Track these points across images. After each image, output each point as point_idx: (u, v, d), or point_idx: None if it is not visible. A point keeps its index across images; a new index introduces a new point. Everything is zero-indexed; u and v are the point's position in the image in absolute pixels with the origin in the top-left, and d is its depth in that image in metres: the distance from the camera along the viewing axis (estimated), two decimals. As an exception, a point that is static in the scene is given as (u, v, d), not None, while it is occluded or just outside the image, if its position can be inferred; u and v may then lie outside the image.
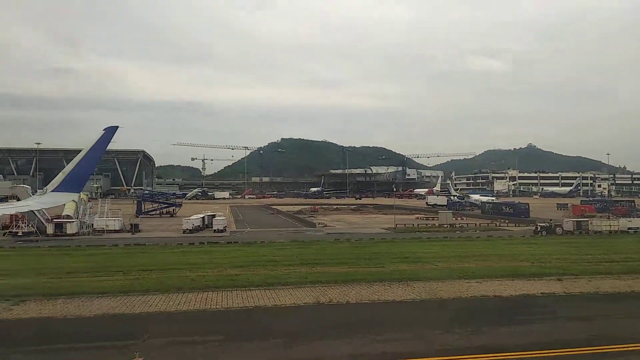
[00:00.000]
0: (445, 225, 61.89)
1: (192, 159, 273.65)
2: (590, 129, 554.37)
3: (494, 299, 23.64)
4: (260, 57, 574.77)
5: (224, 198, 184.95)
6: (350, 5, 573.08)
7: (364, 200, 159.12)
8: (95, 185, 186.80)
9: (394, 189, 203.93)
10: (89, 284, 26.56)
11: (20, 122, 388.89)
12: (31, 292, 24.18)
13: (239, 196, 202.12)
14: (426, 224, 64.80)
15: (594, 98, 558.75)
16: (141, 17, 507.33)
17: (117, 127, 19.95)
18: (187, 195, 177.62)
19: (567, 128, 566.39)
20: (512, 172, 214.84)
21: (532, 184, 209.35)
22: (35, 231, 54.32)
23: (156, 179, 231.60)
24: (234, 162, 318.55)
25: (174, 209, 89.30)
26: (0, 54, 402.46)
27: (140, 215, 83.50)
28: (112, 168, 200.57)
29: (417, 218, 74.80)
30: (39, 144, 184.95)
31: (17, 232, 53.78)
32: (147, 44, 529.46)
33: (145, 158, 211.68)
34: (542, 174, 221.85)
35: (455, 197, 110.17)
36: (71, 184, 18.28)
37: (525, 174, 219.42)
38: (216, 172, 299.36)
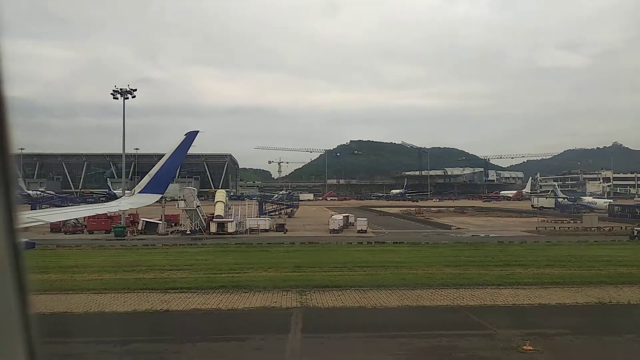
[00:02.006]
0: (592, 229, 60.28)
1: (269, 162, 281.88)
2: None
3: None
4: (330, 60, 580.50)
5: (309, 200, 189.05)
6: (421, 4, 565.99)
7: (452, 203, 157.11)
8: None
9: (484, 191, 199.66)
10: (350, 279, 29.27)
11: (112, 128, 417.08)
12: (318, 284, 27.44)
13: (320, 198, 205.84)
14: (567, 227, 63.39)
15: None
16: (219, 27, 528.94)
17: (198, 131, 20.03)
18: (272, 198, 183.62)
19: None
20: (606, 173, 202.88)
21: (630, 185, 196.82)
22: (200, 229, 59.17)
23: (239, 182, 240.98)
24: (304, 164, 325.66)
25: (291, 210, 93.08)
26: (94, 68, 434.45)
27: (262, 216, 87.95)
28: (201, 171, 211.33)
29: (545, 221, 72.86)
30: (137, 149, 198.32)
31: (186, 231, 58.85)
32: (218, 51, 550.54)
33: (230, 161, 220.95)
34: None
35: (566, 199, 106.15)
36: (156, 186, 18.44)
37: (621, 175, 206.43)
38: (286, 174, 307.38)
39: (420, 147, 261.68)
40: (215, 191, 76.41)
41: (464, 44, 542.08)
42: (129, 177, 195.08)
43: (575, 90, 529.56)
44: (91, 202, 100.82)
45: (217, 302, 24.13)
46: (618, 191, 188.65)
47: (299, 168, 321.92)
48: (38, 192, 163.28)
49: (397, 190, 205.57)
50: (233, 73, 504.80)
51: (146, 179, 18.46)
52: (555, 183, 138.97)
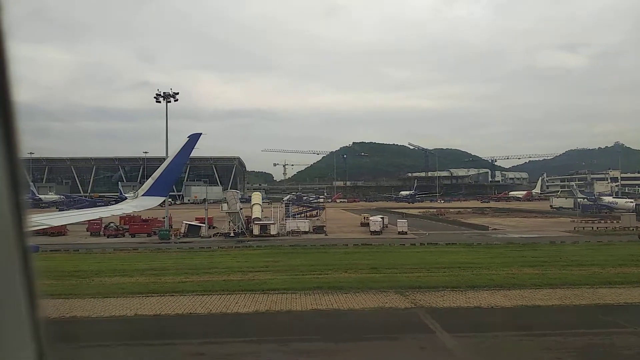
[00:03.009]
0: (631, 228, 60.79)
1: (275, 165, 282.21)
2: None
3: None
4: (329, 62, 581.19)
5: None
6: (421, 7, 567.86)
7: (467, 204, 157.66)
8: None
9: (495, 192, 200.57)
10: (436, 279, 29.46)
11: (111, 132, 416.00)
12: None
13: (329, 200, 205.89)
14: (605, 227, 63.91)
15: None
16: (219, 30, 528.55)
17: (201, 134, 19.72)
18: (283, 200, 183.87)
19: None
20: (614, 173, 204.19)
21: (638, 185, 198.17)
22: (243, 232, 59.25)
23: (247, 184, 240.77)
24: (306, 167, 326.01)
25: (317, 212, 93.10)
26: (95, 72, 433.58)
27: (288, 219, 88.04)
28: (209, 174, 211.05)
29: (581, 221, 73.12)
30: (146, 152, 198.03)
31: (229, 233, 58.89)
32: (217, 54, 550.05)
33: (239, 164, 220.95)
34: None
35: (585, 199, 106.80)
36: (159, 189, 18.47)
37: (629, 175, 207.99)
38: (289, 177, 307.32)
39: (426, 149, 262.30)
40: (252, 194, 76.26)
41: (463, 45, 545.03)
42: (138, 181, 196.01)
43: (575, 90, 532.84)
44: (101, 206, 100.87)
45: (327, 302, 24.28)
46: (626, 191, 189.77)
47: (301, 170, 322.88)
48: (62, 196, 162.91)
49: (407, 192, 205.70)
50: (232, 76, 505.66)
51: (149, 182, 18.45)
52: (574, 183, 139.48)
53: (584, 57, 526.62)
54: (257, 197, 68.64)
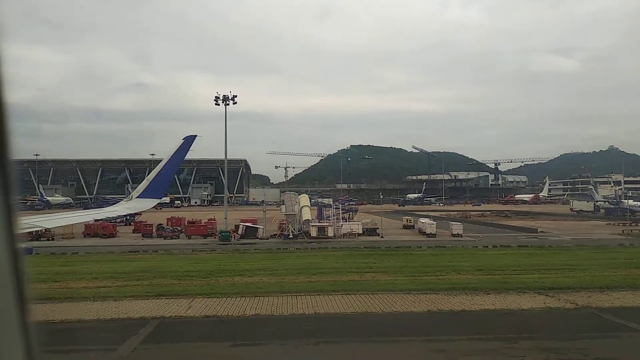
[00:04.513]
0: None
1: (276, 167, 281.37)
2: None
3: None
4: (325, 66, 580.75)
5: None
6: (416, 9, 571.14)
7: (474, 207, 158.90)
8: (205, 193, 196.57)
9: (502, 195, 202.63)
10: (553, 281, 29.84)
11: (104, 134, 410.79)
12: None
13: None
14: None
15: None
16: (213, 32, 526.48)
17: (195, 136, 19.71)
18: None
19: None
20: (617, 176, 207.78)
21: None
22: (301, 233, 59.09)
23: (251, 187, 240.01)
24: (304, 169, 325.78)
25: (350, 215, 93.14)
26: (87, 72, 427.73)
27: (322, 221, 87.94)
28: (216, 176, 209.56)
29: (623, 224, 74.30)
30: (153, 154, 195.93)
31: (288, 235, 58.68)
32: (212, 56, 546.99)
33: (245, 166, 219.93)
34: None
35: (607, 203, 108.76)
36: (154, 191, 18.36)
37: (632, 178, 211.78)
38: (287, 179, 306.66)
39: (429, 152, 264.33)
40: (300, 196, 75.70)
41: (458, 48, 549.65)
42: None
43: (568, 94, 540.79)
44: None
45: (490, 302, 24.50)
46: (630, 194, 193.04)
47: (299, 173, 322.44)
48: (69, 198, 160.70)
49: (414, 195, 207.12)
50: (226, 78, 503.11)
51: (144, 184, 18.34)
52: (592, 187, 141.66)
53: (576, 61, 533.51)
54: (305, 199, 68.36)
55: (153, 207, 20.87)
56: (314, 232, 58.59)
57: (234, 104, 63.32)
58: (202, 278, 30.29)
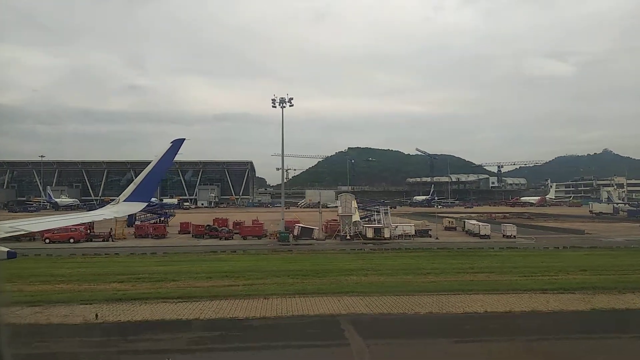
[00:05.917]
0: None
1: (277, 169, 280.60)
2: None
3: None
4: (320, 68, 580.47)
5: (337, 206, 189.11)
6: (411, 13, 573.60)
7: (489, 209, 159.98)
8: (212, 195, 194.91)
9: (509, 197, 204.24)
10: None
11: (114, 135, 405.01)
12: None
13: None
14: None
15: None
16: (208, 35, 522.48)
17: (184, 139, 19.52)
18: (298, 204, 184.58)
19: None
20: (619, 179, 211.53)
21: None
22: (358, 235, 58.84)
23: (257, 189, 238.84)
24: (301, 171, 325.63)
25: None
26: (82, 75, 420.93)
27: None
28: (221, 178, 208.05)
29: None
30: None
31: (345, 236, 58.38)
32: (206, 59, 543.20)
33: (251, 168, 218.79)
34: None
35: (627, 205, 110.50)
36: (141, 194, 18.16)
37: (633, 181, 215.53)
38: (287, 181, 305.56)
39: (432, 155, 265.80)
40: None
41: (453, 51, 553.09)
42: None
43: (563, 98, 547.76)
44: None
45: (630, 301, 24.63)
46: (633, 197, 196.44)
47: (296, 175, 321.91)
48: (76, 199, 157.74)
49: (422, 197, 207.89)
50: (221, 81, 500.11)
51: (131, 188, 18.13)
52: (610, 189, 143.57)
53: (571, 65, 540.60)
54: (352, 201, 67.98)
55: (141, 210, 21.03)
56: (370, 234, 58.34)
57: (290, 106, 62.78)
58: (361, 276, 30.59)
